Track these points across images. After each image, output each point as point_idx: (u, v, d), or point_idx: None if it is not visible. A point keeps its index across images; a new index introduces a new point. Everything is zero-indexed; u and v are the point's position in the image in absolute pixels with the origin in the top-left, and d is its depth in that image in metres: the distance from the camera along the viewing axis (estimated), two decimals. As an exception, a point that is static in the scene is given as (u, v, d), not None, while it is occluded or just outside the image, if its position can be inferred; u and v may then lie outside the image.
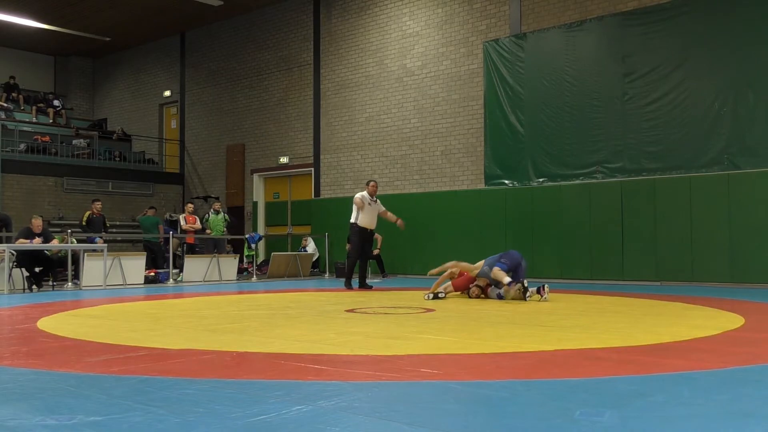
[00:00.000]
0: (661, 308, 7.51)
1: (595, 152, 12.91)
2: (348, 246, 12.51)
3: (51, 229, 13.11)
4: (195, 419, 2.85)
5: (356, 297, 9.45)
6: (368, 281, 11.42)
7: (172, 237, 14.18)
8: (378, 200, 11.25)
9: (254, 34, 19.20)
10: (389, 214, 11.19)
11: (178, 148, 21.37)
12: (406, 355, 4.47)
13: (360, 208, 10.87)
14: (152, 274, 13.47)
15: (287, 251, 16.27)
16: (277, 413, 2.92)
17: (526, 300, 8.27)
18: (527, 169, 13.74)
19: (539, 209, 13.46)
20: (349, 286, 10.95)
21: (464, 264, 9.28)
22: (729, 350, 4.64)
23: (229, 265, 14.44)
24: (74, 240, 13.02)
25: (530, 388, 3.42)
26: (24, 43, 22.21)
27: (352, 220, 10.96)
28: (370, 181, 11.45)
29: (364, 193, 11.06)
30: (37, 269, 11.68)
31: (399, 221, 11.05)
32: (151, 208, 17.24)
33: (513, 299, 8.35)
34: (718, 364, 4.10)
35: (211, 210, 15.83)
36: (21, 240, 11.37)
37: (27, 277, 11.54)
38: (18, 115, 20.85)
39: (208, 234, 15.15)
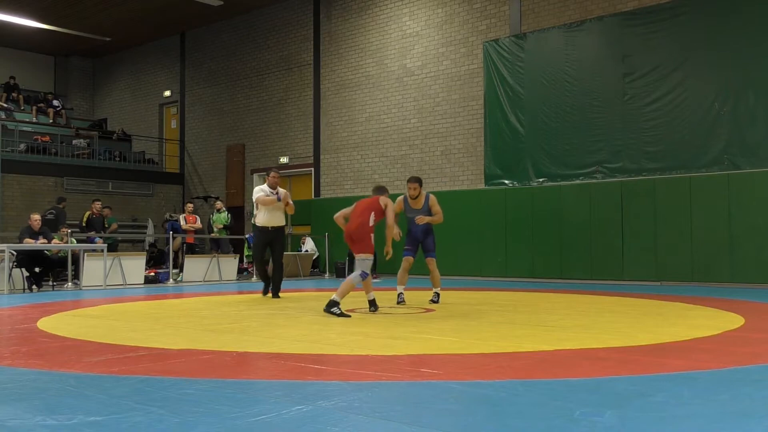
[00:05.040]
0: (661, 308, 7.51)
1: (595, 152, 12.91)
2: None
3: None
4: (195, 419, 2.85)
5: (356, 297, 9.43)
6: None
7: (172, 236, 14.18)
8: (282, 193, 9.39)
9: (254, 34, 19.20)
10: (290, 203, 9.44)
11: (178, 148, 21.37)
12: (406, 355, 4.47)
13: (258, 207, 9.28)
14: (152, 274, 13.47)
15: (287, 251, 16.25)
16: (277, 413, 2.92)
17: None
18: (527, 169, 13.74)
19: (539, 209, 13.45)
20: (265, 291, 9.54)
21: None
22: (729, 350, 4.63)
23: (229, 265, 14.44)
24: (74, 240, 13.02)
25: (530, 388, 3.42)
26: (24, 43, 22.20)
27: (252, 221, 9.48)
28: (271, 170, 9.68)
29: (263, 186, 9.41)
30: (37, 269, 11.68)
31: (288, 205, 9.37)
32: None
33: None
34: (718, 364, 4.10)
35: (215, 210, 15.88)
36: (27, 240, 11.36)
37: (27, 277, 11.53)
38: (18, 115, 20.84)
39: (214, 233, 15.26)
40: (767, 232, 11.08)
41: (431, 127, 15.35)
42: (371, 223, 6.95)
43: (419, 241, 8.20)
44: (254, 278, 14.69)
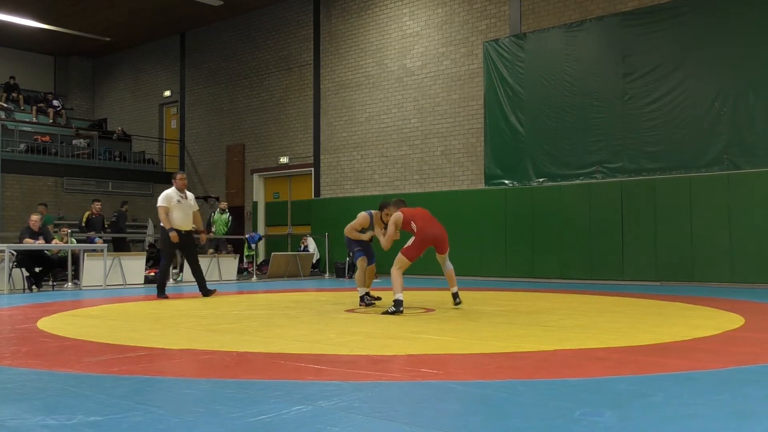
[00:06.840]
0: (661, 308, 7.51)
1: (595, 152, 12.91)
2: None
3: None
4: (195, 419, 2.85)
5: (356, 297, 9.42)
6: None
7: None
8: (190, 196, 9.81)
9: (254, 34, 19.20)
10: (198, 219, 9.94)
11: (178, 148, 21.37)
12: (406, 355, 4.47)
13: (167, 211, 9.43)
14: (152, 274, 13.46)
15: (287, 251, 16.27)
16: (277, 413, 2.92)
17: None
18: (527, 169, 13.74)
19: (539, 209, 13.45)
20: (161, 295, 9.49)
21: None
22: (729, 350, 4.64)
23: (229, 265, 14.44)
24: (74, 240, 13.02)
25: (530, 388, 3.42)
26: (24, 43, 22.20)
27: (162, 224, 9.55)
28: (177, 173, 9.96)
29: (169, 190, 9.64)
30: (37, 269, 11.68)
31: (202, 236, 10.04)
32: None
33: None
34: (718, 364, 4.10)
35: (218, 209, 15.91)
36: (27, 240, 11.37)
37: (27, 277, 11.53)
38: (18, 115, 20.85)
39: (211, 234, 15.15)
40: (767, 232, 11.08)
41: (431, 127, 15.35)
42: None
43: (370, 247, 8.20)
44: (254, 278, 14.71)
